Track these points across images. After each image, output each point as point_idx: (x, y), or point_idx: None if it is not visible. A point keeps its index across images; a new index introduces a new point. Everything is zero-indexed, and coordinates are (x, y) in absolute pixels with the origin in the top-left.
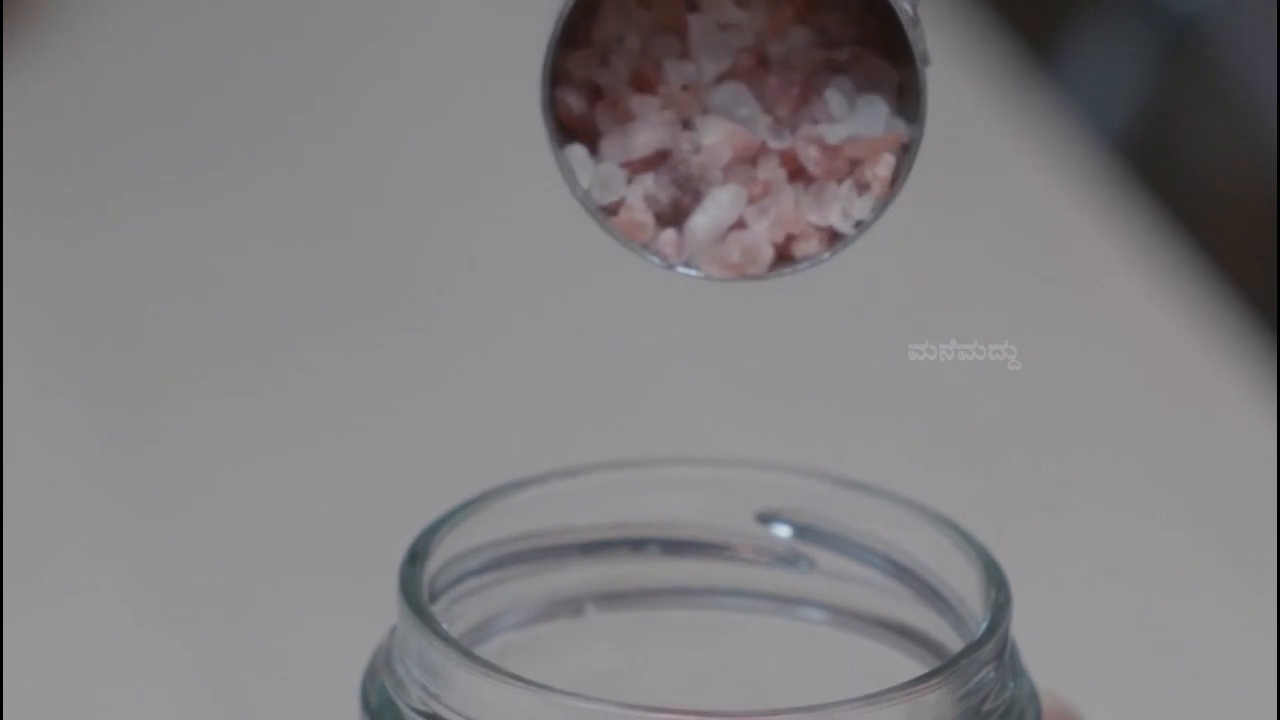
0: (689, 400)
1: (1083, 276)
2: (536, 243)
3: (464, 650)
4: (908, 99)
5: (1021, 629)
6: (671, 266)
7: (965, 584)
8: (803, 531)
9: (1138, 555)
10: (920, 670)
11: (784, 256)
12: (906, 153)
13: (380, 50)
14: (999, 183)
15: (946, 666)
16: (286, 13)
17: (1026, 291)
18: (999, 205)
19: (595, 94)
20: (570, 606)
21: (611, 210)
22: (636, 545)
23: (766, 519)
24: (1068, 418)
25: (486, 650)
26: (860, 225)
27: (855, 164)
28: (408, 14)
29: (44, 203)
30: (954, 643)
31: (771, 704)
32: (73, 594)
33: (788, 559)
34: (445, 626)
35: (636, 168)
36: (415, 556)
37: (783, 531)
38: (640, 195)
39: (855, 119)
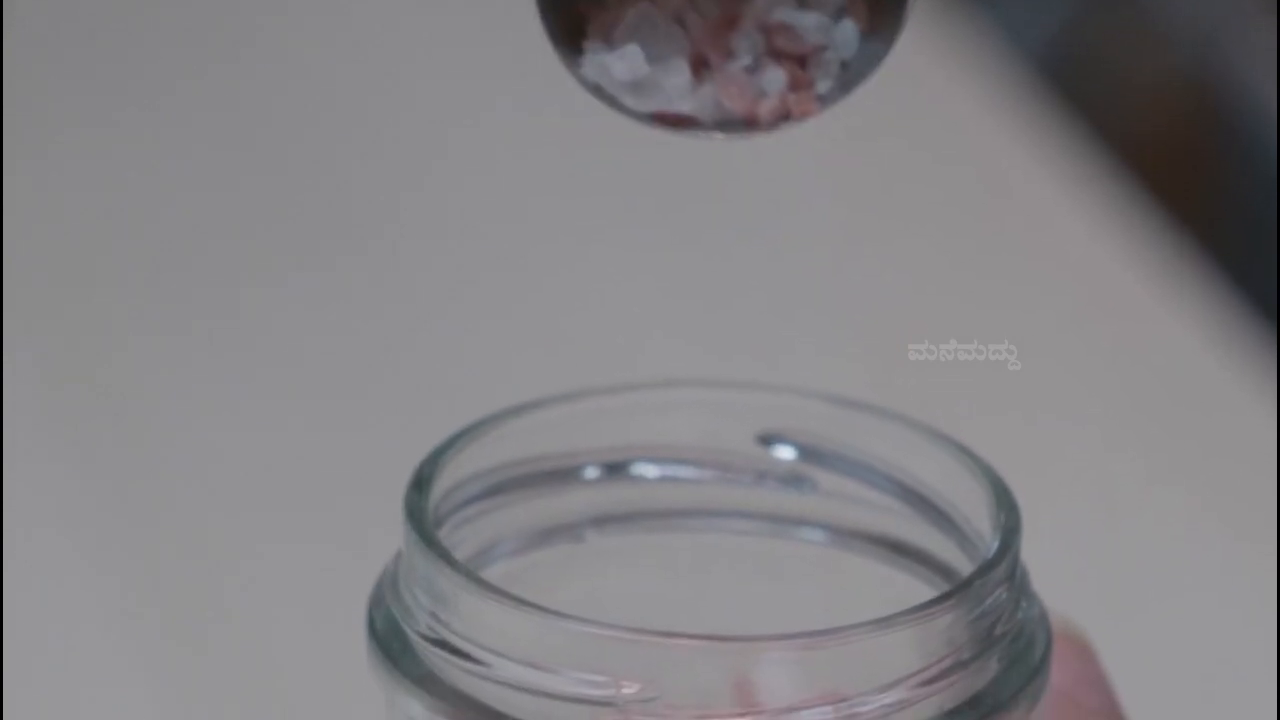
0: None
1: (1006, 199)
2: (522, 167)
3: (474, 576)
4: None
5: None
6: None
7: (972, 505)
8: (805, 452)
9: (1112, 479)
10: (925, 591)
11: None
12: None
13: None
14: (921, 107)
15: (960, 589)
16: None
17: (952, 215)
18: (922, 131)
19: None
20: (570, 531)
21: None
22: (636, 468)
23: (768, 440)
24: (988, 326)
25: (488, 576)
26: (845, 66)
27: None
28: None
29: None
30: (960, 564)
31: (776, 628)
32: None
33: (790, 480)
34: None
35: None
36: (421, 482)
37: (785, 453)
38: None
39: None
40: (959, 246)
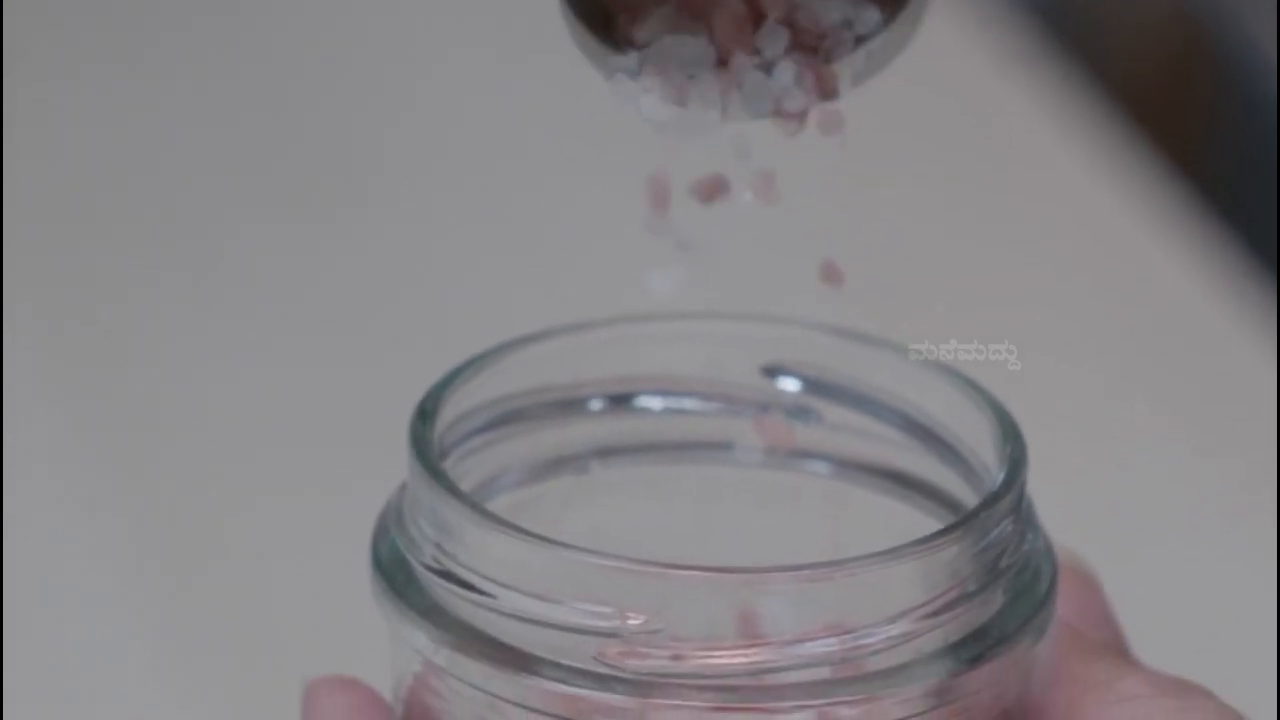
0: None
1: (1002, 141)
2: (526, 103)
3: (479, 508)
4: None
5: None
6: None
7: (977, 437)
8: (810, 384)
9: (1111, 417)
10: (930, 524)
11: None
12: None
13: None
14: (916, 49)
15: (965, 521)
16: None
17: (947, 158)
18: (917, 73)
19: None
20: (575, 463)
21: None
22: (641, 400)
23: (772, 372)
24: (986, 267)
25: (493, 508)
26: (861, 40)
27: None
28: None
29: None
30: (965, 496)
31: (781, 560)
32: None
33: (794, 412)
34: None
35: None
36: (426, 414)
37: (789, 384)
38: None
39: None
40: (954, 189)
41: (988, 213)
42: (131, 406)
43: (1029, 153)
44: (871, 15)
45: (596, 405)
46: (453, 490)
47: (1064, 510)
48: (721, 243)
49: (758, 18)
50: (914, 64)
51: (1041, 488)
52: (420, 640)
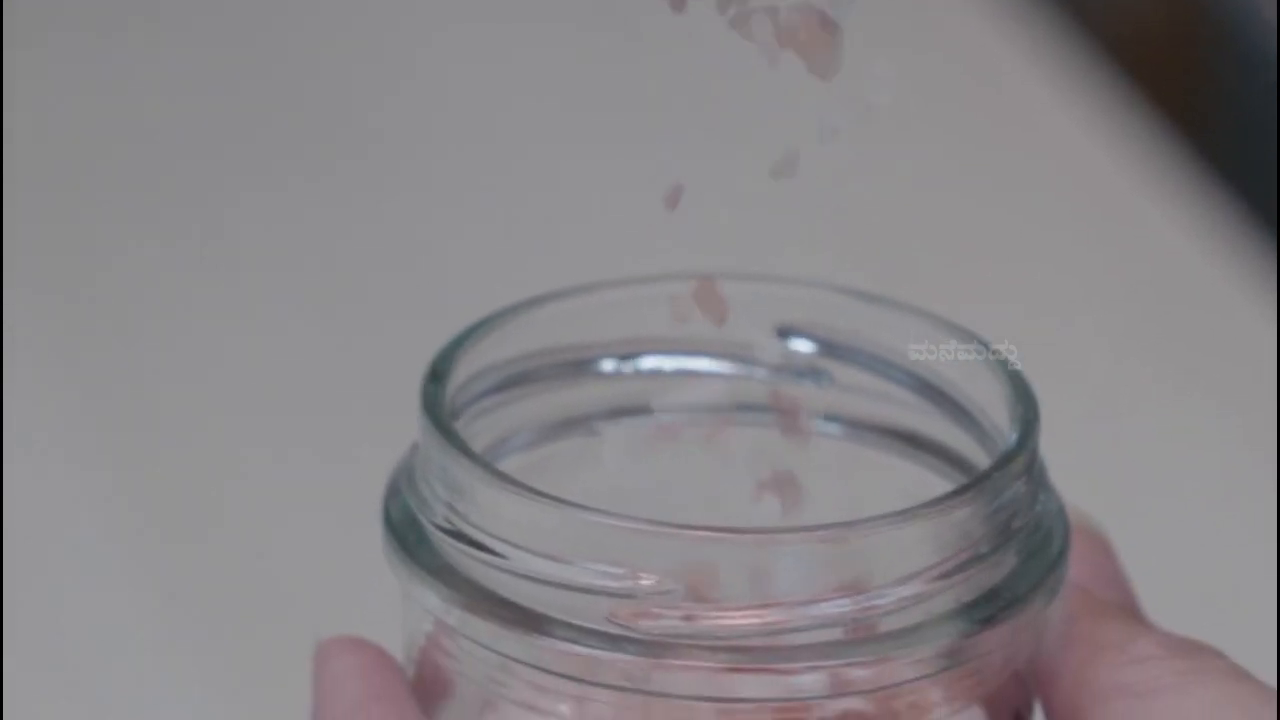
0: None
1: (1001, 102)
2: (530, 68)
3: (491, 468)
4: None
5: None
6: None
7: (989, 398)
8: (822, 345)
9: (1113, 380)
10: (942, 485)
11: None
12: None
13: None
14: (913, 10)
15: (977, 482)
16: None
17: (946, 120)
18: (913, 34)
19: None
20: (585, 424)
21: None
22: (651, 361)
23: (785, 333)
24: (985, 228)
25: (504, 468)
26: None
27: None
28: None
29: None
30: (977, 457)
31: (791, 520)
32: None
33: (806, 373)
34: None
35: None
36: (437, 374)
37: (801, 345)
38: None
39: None
40: (952, 150)
41: (986, 173)
42: (136, 373)
43: (1026, 112)
44: None
45: (607, 366)
46: (464, 450)
47: (1072, 471)
48: (730, 208)
49: None
50: (912, 25)
51: (1049, 449)
52: (431, 600)
